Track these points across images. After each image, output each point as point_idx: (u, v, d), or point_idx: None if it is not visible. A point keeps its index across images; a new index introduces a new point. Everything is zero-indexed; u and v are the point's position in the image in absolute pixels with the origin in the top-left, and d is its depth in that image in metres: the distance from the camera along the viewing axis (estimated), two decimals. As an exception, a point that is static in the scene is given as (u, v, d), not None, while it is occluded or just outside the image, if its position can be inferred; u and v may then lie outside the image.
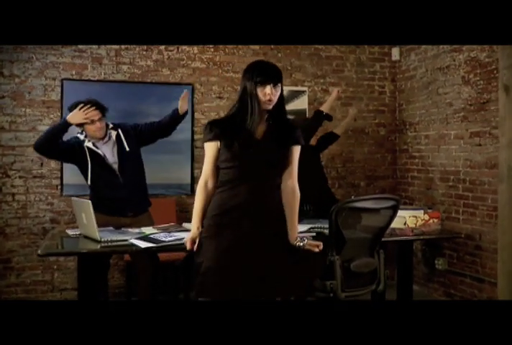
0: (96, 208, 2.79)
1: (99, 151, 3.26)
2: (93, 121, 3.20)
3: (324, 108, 4.06)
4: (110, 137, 3.32)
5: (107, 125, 3.31)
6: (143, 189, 3.48)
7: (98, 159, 3.27)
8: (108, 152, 3.30)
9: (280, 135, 2.30)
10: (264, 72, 2.23)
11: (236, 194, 2.24)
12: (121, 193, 3.29)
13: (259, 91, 2.22)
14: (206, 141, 2.30)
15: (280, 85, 2.27)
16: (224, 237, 2.23)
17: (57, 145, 3.24)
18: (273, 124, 2.32)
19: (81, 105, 3.19)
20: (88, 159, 3.24)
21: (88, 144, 3.26)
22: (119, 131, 3.32)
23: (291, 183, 2.37)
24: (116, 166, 3.30)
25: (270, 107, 2.27)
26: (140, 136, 3.41)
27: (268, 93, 2.21)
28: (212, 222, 2.27)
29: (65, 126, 3.20)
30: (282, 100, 2.32)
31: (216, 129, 2.26)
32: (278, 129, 2.31)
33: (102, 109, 3.26)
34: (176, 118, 3.41)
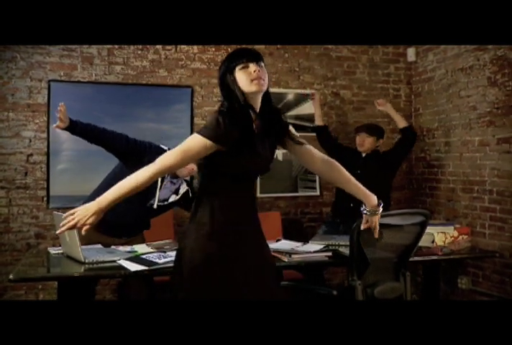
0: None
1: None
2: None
3: (318, 120, 4.08)
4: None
5: None
6: (149, 218, 3.10)
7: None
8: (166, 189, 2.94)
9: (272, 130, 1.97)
10: (240, 54, 1.87)
11: None
12: (127, 219, 2.88)
13: (242, 75, 1.84)
14: None
15: (263, 65, 1.88)
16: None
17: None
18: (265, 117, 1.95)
19: None
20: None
21: None
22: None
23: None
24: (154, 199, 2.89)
25: (264, 87, 1.86)
26: None
27: (254, 70, 1.82)
28: None
29: None
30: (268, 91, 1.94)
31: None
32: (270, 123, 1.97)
33: None
34: None
